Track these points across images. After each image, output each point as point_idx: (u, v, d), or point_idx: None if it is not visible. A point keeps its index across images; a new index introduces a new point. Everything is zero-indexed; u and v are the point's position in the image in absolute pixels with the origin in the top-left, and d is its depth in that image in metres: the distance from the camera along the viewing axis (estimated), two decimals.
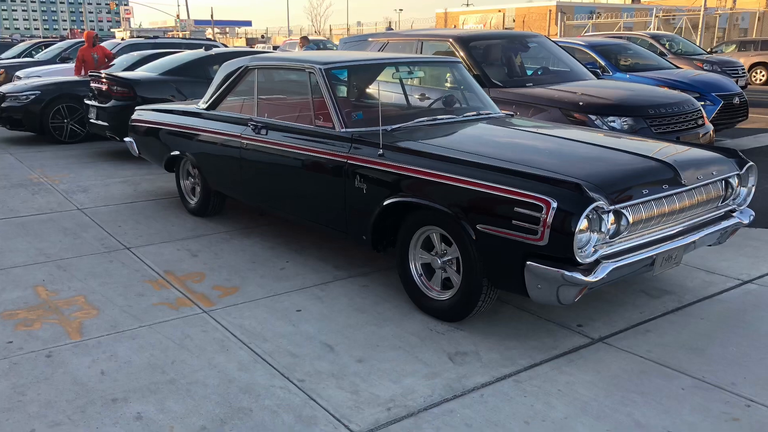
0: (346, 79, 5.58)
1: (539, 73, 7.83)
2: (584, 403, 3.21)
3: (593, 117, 6.23)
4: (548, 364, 3.58)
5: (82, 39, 13.25)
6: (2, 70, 15.27)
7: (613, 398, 3.25)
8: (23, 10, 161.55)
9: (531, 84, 7.22)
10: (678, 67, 10.97)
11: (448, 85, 5.86)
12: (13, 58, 18.61)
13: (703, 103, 7.72)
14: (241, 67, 5.63)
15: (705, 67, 14.21)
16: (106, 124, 8.51)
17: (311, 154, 4.73)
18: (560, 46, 8.55)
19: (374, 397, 3.29)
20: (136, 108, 6.89)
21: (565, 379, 3.42)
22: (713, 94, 8.58)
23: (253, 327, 4.03)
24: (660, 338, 3.85)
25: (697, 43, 26.36)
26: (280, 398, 3.28)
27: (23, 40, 26.02)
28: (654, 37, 15.46)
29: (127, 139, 6.89)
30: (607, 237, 3.53)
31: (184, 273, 4.90)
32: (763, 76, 22.66)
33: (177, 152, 6.17)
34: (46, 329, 3.99)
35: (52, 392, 3.31)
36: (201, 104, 5.98)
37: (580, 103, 6.37)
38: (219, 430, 3.03)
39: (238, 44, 59.44)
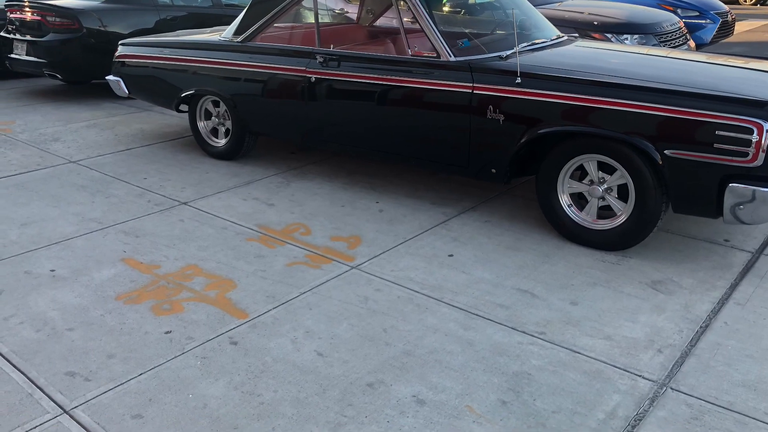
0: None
1: None
2: None
3: (608, 35, 6.05)
4: (746, 281, 3.46)
5: None
6: None
7: None
8: None
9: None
10: None
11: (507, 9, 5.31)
12: None
13: (703, 21, 7.75)
14: None
15: None
16: (43, 60, 7.04)
17: (417, 86, 4.14)
18: None
19: (631, 340, 2.99)
20: (120, 42, 5.70)
21: None
22: (712, 12, 8.62)
23: (424, 279, 3.53)
24: None
25: None
26: (542, 355, 2.89)
27: None
28: None
29: (111, 77, 5.72)
30: None
31: (281, 226, 4.19)
32: None
33: (192, 91, 5.21)
34: (194, 311, 3.23)
35: (289, 388, 2.69)
36: (230, 36, 5.04)
37: (595, 23, 6.15)
38: (519, 401, 2.61)
39: None
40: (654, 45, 6.24)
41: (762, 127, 3.20)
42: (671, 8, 8.02)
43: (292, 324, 3.10)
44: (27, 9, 7.15)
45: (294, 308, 3.24)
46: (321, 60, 4.51)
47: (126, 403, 2.55)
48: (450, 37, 4.22)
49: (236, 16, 5.60)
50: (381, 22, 5.08)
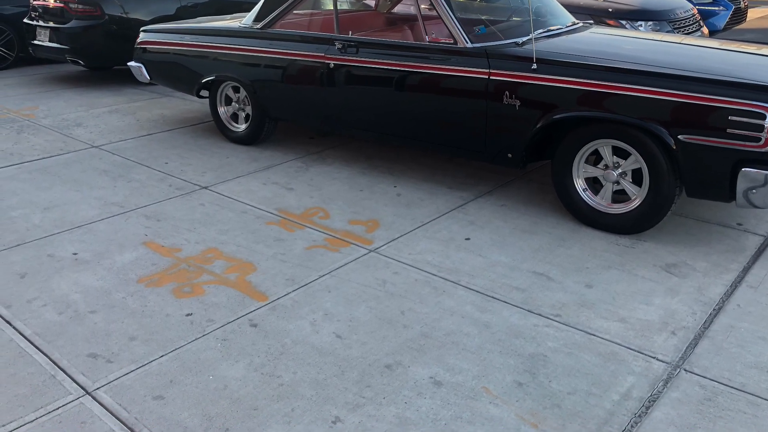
0: None
1: None
2: None
3: (623, 22, 5.94)
4: (758, 265, 3.40)
5: None
6: None
7: None
8: None
9: None
10: None
11: None
12: None
13: (716, 8, 7.58)
14: None
15: None
16: (65, 46, 7.03)
17: (434, 72, 4.08)
18: None
19: (645, 323, 2.95)
20: (142, 29, 5.67)
21: None
22: None
23: (441, 262, 3.49)
24: None
25: None
26: (558, 338, 2.85)
27: None
28: None
29: (132, 63, 5.70)
30: None
31: (300, 210, 4.16)
32: None
33: (213, 77, 5.17)
34: (214, 294, 3.22)
35: (309, 370, 2.66)
36: (250, 22, 4.99)
37: (610, 10, 6.04)
38: (535, 383, 2.57)
39: None
40: (668, 31, 6.12)
41: None
42: None
43: (311, 306, 3.08)
44: None
45: (313, 291, 3.22)
46: (340, 46, 4.46)
47: (147, 385, 2.54)
48: (467, 24, 4.15)
49: (256, 3, 5.54)
50: (399, 9, 5.02)
